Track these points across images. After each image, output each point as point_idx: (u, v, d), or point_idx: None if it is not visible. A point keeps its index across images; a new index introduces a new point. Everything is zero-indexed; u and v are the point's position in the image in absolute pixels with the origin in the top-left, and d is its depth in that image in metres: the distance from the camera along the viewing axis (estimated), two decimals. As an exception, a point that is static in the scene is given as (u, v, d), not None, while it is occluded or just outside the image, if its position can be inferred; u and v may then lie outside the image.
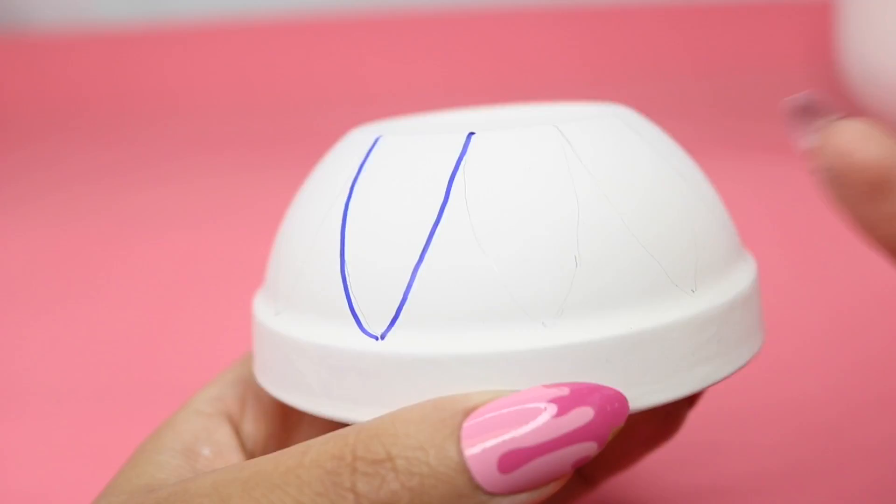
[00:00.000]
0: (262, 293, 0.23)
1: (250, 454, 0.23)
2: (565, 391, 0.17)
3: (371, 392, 0.19)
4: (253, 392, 0.24)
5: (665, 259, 0.19)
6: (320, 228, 0.20)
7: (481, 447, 0.17)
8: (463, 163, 0.19)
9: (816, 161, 0.20)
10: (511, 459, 0.17)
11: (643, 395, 0.18)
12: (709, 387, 0.19)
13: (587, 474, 0.26)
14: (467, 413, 0.17)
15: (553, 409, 0.17)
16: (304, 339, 0.20)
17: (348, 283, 0.19)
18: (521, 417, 0.17)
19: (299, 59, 0.97)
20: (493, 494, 0.17)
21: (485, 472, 0.17)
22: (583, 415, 0.17)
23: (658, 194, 0.20)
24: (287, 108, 0.92)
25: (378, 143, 0.20)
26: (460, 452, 0.17)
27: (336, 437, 0.18)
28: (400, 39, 0.97)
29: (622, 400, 0.18)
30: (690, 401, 0.26)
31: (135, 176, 0.76)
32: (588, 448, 0.17)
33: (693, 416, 0.35)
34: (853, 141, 0.19)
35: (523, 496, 0.17)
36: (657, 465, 0.33)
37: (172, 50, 1.00)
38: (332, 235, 0.20)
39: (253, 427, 0.23)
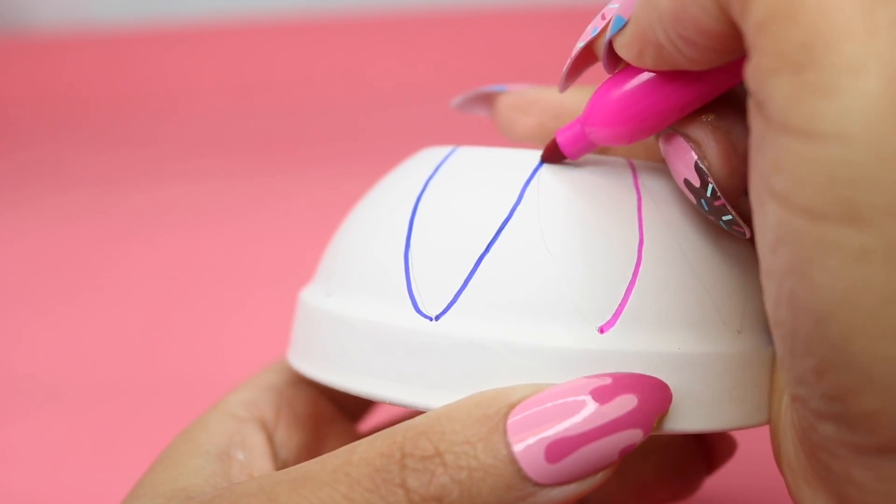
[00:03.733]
0: (311, 285, 0.23)
1: (283, 463, 0.22)
2: (608, 381, 0.18)
3: (415, 371, 0.19)
4: (287, 400, 0.24)
5: (717, 295, 0.20)
6: (388, 217, 0.21)
7: (528, 439, 0.17)
8: (538, 173, 0.20)
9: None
10: (558, 449, 0.17)
11: (679, 420, 0.19)
12: (738, 429, 0.19)
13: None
14: (511, 407, 0.17)
15: (596, 398, 0.17)
16: (355, 315, 0.20)
17: (410, 265, 0.20)
18: (566, 408, 0.17)
19: (300, 60, 0.97)
20: (541, 485, 0.17)
21: (532, 463, 0.17)
22: (626, 402, 0.17)
23: (715, 238, 0.21)
24: (288, 108, 0.92)
25: (454, 152, 0.21)
26: (507, 445, 0.17)
27: (383, 436, 0.18)
28: (400, 40, 0.97)
29: (664, 387, 0.18)
30: (709, 466, 0.25)
31: (135, 177, 0.76)
32: (634, 435, 0.17)
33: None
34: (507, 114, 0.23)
35: (572, 487, 0.17)
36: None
37: (172, 51, 1.00)
38: (401, 222, 0.20)
39: (286, 436, 0.23)
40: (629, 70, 0.19)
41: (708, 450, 0.25)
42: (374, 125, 0.81)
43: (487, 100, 0.25)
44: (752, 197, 0.15)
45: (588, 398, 0.17)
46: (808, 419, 0.16)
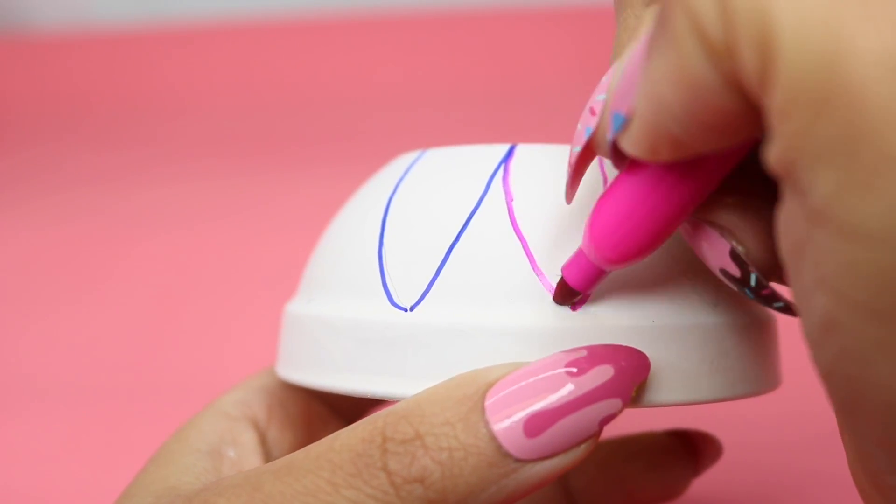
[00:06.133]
0: (295, 297, 0.23)
1: None
2: (583, 353, 0.18)
3: (394, 363, 0.19)
4: (279, 400, 0.24)
5: (692, 272, 0.20)
6: (362, 220, 0.21)
7: (507, 416, 0.17)
8: (503, 165, 0.20)
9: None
10: (536, 424, 0.17)
11: (659, 392, 0.19)
12: (722, 400, 0.20)
13: None
14: (489, 386, 0.17)
15: (572, 370, 0.17)
16: (334, 314, 0.20)
17: (383, 261, 0.20)
18: (542, 383, 0.17)
19: (300, 60, 0.97)
20: (523, 461, 0.17)
21: (512, 439, 0.17)
22: (603, 372, 0.17)
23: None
24: (288, 108, 0.92)
25: (424, 154, 0.22)
26: (487, 423, 0.17)
27: (365, 423, 0.18)
28: (400, 40, 0.97)
29: (641, 356, 0.18)
30: (696, 468, 0.25)
31: (135, 177, 0.76)
32: (612, 405, 0.17)
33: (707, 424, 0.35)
34: None
35: (555, 461, 0.17)
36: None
37: (172, 51, 1.00)
38: (374, 223, 0.21)
39: (279, 435, 0.23)
40: (623, 181, 0.17)
41: (694, 452, 0.25)
42: (375, 125, 0.81)
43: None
44: (792, 272, 0.14)
45: (564, 371, 0.17)
46: (873, 470, 0.16)
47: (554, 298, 0.19)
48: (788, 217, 0.14)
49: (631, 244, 0.17)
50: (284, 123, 0.89)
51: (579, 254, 0.18)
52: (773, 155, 0.13)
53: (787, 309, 0.17)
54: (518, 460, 0.17)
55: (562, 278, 0.19)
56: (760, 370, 0.21)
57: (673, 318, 0.19)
